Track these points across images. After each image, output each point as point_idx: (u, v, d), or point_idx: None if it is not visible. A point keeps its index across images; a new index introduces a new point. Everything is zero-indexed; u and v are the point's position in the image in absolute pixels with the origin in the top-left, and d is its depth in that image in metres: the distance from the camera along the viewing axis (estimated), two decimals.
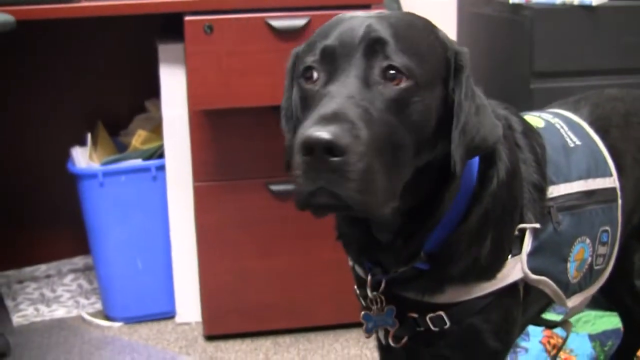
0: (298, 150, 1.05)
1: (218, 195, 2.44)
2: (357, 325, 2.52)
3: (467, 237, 1.30)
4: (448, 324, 1.32)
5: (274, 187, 2.44)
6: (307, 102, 1.16)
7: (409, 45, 1.14)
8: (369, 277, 1.34)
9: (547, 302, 1.54)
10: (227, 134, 2.41)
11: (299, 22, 2.21)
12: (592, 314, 2.48)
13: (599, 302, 2.44)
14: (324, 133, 1.02)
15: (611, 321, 2.41)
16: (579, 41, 2.63)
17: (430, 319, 1.33)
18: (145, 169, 2.56)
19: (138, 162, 2.58)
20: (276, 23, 2.21)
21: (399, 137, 1.11)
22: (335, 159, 1.02)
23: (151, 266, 2.64)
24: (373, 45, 1.13)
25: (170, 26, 2.65)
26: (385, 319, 1.36)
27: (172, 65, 2.45)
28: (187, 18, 2.19)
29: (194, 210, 2.47)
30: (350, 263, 1.46)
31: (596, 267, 1.52)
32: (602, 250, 1.51)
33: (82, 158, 2.65)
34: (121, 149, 2.80)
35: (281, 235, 2.50)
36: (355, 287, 1.45)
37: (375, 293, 1.34)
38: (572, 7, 2.58)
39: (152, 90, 2.86)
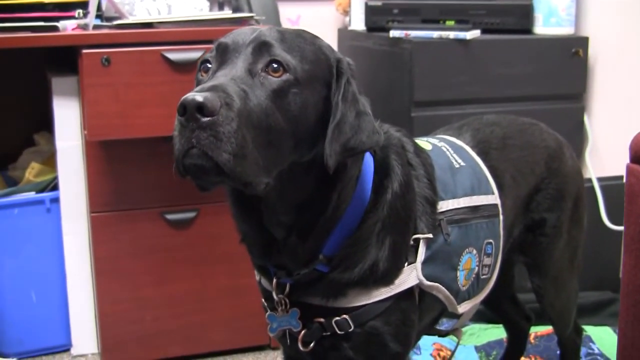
0: (177, 113, 1.17)
1: (114, 225, 2.46)
2: (252, 349, 2.60)
3: (364, 241, 1.41)
4: (352, 326, 1.43)
5: (170, 216, 2.49)
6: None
7: (292, 47, 1.30)
8: (274, 281, 1.44)
9: (440, 312, 1.66)
10: (123, 164, 2.43)
11: (195, 54, 2.26)
12: (477, 326, 2.63)
13: (483, 315, 2.60)
14: (197, 96, 1.15)
15: (494, 333, 2.57)
16: (454, 72, 2.80)
17: (335, 322, 1.43)
18: (39, 201, 2.56)
19: (31, 195, 2.58)
20: (172, 56, 2.26)
21: (275, 121, 1.24)
22: (205, 118, 1.15)
23: (46, 299, 2.62)
24: (260, 46, 1.28)
25: (58, 59, 2.67)
26: (289, 320, 1.46)
27: (65, 98, 2.45)
28: (85, 51, 2.21)
29: (91, 240, 2.48)
30: (257, 277, 1.54)
31: (482, 277, 1.65)
32: (487, 260, 1.65)
33: None
34: (9, 183, 2.78)
35: (177, 263, 2.54)
36: (263, 299, 1.54)
37: (280, 296, 1.45)
38: (448, 41, 2.76)
39: (41, 123, 2.86)
